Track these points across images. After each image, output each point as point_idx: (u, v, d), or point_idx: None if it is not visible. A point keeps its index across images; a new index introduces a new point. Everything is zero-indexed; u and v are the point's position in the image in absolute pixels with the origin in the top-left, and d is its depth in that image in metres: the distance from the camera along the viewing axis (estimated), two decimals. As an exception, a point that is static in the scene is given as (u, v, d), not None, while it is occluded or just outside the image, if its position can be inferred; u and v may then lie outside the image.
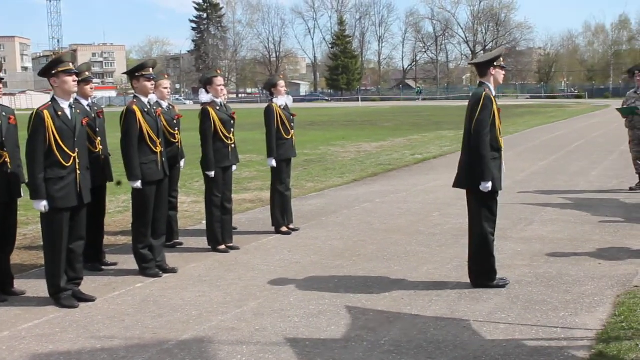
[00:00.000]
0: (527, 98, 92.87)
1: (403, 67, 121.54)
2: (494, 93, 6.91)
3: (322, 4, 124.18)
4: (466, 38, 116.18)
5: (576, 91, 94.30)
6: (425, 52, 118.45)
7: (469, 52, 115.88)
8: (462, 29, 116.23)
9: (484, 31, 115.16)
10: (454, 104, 70.95)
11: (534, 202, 11.66)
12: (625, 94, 13.66)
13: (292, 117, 9.67)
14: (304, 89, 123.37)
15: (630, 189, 12.75)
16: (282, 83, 9.66)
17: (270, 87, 9.60)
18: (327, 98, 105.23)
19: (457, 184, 7.33)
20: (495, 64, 6.91)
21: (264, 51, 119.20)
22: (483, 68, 6.95)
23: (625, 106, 12.76)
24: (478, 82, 7.06)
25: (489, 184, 6.88)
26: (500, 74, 6.96)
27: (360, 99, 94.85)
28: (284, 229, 9.66)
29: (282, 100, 9.57)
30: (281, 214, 9.66)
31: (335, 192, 13.72)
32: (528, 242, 8.70)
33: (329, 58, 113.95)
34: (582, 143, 23.16)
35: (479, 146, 6.81)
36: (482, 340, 5.41)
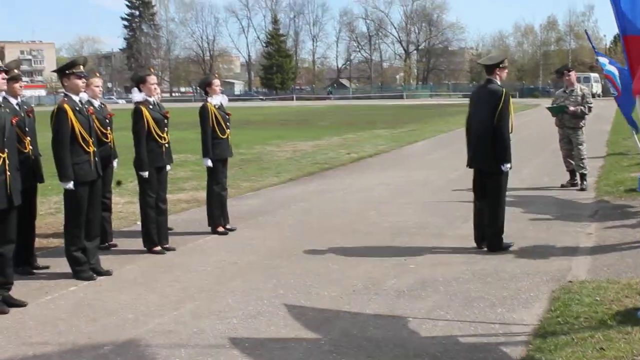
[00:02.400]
0: (460, 97, 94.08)
1: (337, 67, 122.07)
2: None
3: (256, 3, 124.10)
4: (399, 37, 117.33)
5: (510, 92, 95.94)
6: (359, 51, 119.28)
7: (402, 52, 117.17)
8: (395, 28, 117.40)
9: (416, 31, 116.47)
10: (387, 103, 71.52)
11: (469, 200, 11.72)
12: (555, 93, 13.98)
13: (227, 117, 9.59)
14: (239, 88, 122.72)
15: (562, 186, 13.03)
16: (217, 82, 9.57)
17: (205, 86, 9.50)
18: (261, 97, 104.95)
19: (476, 163, 8.63)
20: (500, 65, 8.32)
21: (197, 50, 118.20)
22: (491, 68, 8.32)
23: (554, 105, 13.03)
24: (486, 79, 8.45)
25: (509, 165, 8.32)
26: (504, 72, 8.40)
27: (295, 98, 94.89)
28: (221, 229, 9.57)
29: (217, 99, 9.48)
30: (218, 214, 9.57)
31: (272, 192, 13.68)
32: (465, 240, 8.79)
33: (263, 57, 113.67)
34: (514, 141, 23.20)
35: (503, 134, 8.16)
36: (422, 338, 5.45)
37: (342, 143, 24.51)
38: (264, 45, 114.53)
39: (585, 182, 12.83)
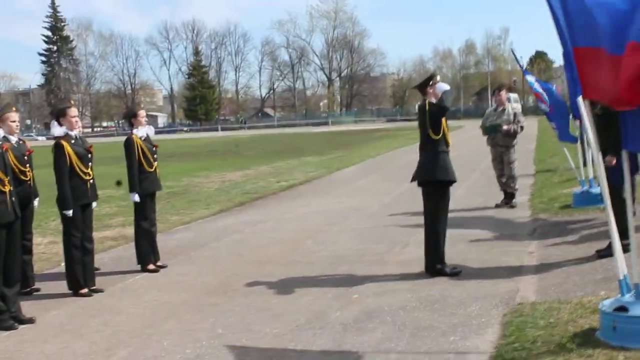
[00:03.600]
0: (384, 122, 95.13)
1: (261, 96, 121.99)
2: None
3: (177, 35, 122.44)
4: (322, 65, 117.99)
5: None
6: (283, 80, 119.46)
7: (325, 79, 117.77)
8: (317, 56, 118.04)
9: (338, 58, 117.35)
10: (313, 130, 71.59)
11: (406, 224, 11.59)
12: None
13: (154, 149, 9.15)
14: (162, 120, 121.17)
15: (496, 205, 12.95)
16: (142, 113, 9.14)
17: (130, 118, 9.06)
18: (185, 129, 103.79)
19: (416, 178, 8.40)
20: (430, 83, 8.10)
21: (118, 83, 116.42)
22: (422, 89, 8.16)
23: (487, 125, 12.96)
24: (422, 99, 8.22)
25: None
26: (436, 89, 8.11)
27: (220, 129, 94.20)
28: (151, 266, 9.09)
29: (142, 131, 9.04)
30: (147, 251, 9.09)
31: (202, 225, 13.22)
32: (407, 266, 8.54)
33: (186, 89, 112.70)
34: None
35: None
36: (374, 374, 5.12)
37: (271, 171, 24.17)
38: (186, 76, 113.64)
39: (514, 201, 12.80)
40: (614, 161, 7.76)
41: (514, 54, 12.62)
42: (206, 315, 6.97)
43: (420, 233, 10.44)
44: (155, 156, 9.10)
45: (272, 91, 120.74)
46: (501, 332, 5.80)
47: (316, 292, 7.63)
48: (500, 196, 13.17)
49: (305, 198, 16.39)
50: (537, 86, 11.96)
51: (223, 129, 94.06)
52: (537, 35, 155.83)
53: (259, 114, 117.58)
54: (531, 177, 16.89)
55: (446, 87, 8.05)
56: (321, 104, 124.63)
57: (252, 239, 11.19)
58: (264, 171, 24.48)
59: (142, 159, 8.87)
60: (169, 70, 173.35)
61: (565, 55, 5.21)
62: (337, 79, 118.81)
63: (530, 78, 12.24)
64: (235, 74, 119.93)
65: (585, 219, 10.60)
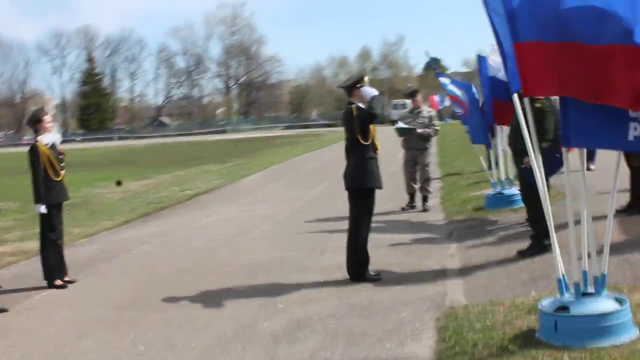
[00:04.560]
0: (282, 129, 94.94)
1: (157, 104, 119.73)
2: None
3: (69, 42, 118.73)
4: (219, 72, 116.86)
5: (328, 120, 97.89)
6: (179, 87, 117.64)
7: (222, 87, 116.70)
8: (214, 63, 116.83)
9: (235, 65, 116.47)
10: (211, 138, 70.63)
11: (320, 230, 11.41)
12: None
13: (61, 157, 8.63)
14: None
15: (402, 209, 12.91)
16: (47, 118, 8.60)
17: (35, 124, 8.48)
18: (77, 138, 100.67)
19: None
20: (358, 85, 7.84)
21: (7, 92, 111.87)
22: (349, 90, 7.89)
23: (403, 127, 12.88)
24: (348, 101, 7.94)
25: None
26: (363, 93, 7.80)
27: (116, 138, 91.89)
28: (59, 282, 8.54)
29: (48, 137, 8.51)
30: (55, 265, 8.54)
31: (108, 237, 12.66)
32: (328, 272, 8.32)
33: (79, 97, 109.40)
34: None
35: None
36: (314, 387, 4.87)
37: (172, 180, 23.56)
38: (80, 84, 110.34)
39: (427, 204, 12.82)
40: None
41: (428, 56, 12.59)
42: (124, 332, 6.56)
43: (337, 239, 10.37)
44: (62, 164, 8.58)
45: (168, 99, 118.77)
46: (438, 337, 5.66)
47: (239, 302, 7.33)
48: (406, 199, 13.12)
49: (212, 206, 15.98)
50: (452, 88, 11.97)
51: (120, 138, 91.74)
52: (432, 42, 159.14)
53: (155, 123, 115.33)
54: (438, 181, 17.00)
55: (374, 92, 7.84)
56: (218, 112, 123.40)
57: (163, 250, 10.76)
58: (165, 180, 23.83)
59: (48, 167, 8.34)
60: (61, 78, 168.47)
61: (502, 53, 5.10)
62: (235, 86, 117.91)
63: (444, 80, 12.26)
64: (131, 82, 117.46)
65: (500, 220, 10.67)
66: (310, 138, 55.16)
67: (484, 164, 13.19)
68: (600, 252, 5.30)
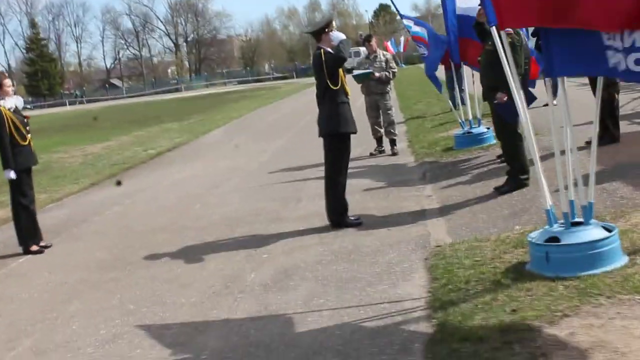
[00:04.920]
0: (235, 84, 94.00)
1: (106, 67, 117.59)
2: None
3: (9, 8, 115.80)
4: (167, 31, 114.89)
5: (281, 73, 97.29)
6: (127, 48, 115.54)
7: (172, 45, 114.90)
8: (162, 22, 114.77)
9: (184, 23, 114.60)
10: (165, 98, 69.70)
11: (291, 180, 11.35)
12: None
13: (25, 120, 8.41)
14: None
15: (371, 154, 12.90)
16: (7, 82, 8.36)
17: (-5, 88, 8.24)
18: (27, 106, 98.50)
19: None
20: (326, 30, 7.71)
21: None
22: (317, 35, 7.78)
23: (359, 72, 12.76)
24: (316, 47, 7.86)
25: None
26: (331, 37, 7.68)
27: (67, 103, 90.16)
28: (35, 247, 8.39)
29: (10, 101, 8.27)
30: (29, 231, 8.38)
31: (76, 200, 12.47)
32: (307, 220, 8.29)
33: (25, 64, 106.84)
34: (310, 118, 23.50)
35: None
36: (313, 332, 4.85)
37: (133, 141, 23.19)
38: (24, 51, 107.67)
39: (395, 147, 12.80)
40: (505, 97, 7.77)
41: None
42: (110, 292, 6.48)
43: (310, 187, 10.37)
44: (27, 128, 8.37)
45: (117, 61, 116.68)
46: (429, 276, 5.68)
47: (222, 256, 7.26)
48: (373, 144, 13.09)
49: (178, 164, 15.82)
50: (416, 29, 11.86)
51: (71, 103, 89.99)
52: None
53: (106, 86, 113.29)
54: (402, 125, 16.97)
55: (342, 36, 7.73)
56: (169, 70, 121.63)
57: (135, 210, 10.62)
58: (126, 141, 23.45)
59: (13, 131, 8.11)
60: (3, 46, 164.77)
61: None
62: (184, 44, 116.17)
63: (408, 22, 12.14)
64: (77, 46, 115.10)
65: (470, 158, 10.73)
66: (265, 91, 54.74)
67: (450, 104, 13.16)
68: (585, 183, 5.33)
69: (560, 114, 5.47)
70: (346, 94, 7.92)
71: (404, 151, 12.81)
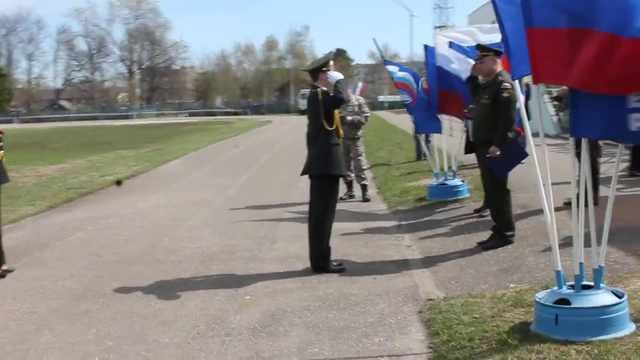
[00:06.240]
0: (187, 116, 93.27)
1: (56, 87, 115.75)
2: None
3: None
4: (122, 56, 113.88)
5: (234, 109, 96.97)
6: (80, 70, 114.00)
7: (126, 71, 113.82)
8: (117, 47, 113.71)
9: (139, 50, 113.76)
10: (116, 124, 68.75)
11: (263, 218, 11.11)
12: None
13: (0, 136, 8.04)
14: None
15: (341, 198, 12.63)
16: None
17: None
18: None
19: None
20: (324, 69, 7.56)
21: None
22: (315, 73, 7.60)
23: None
24: (312, 85, 7.73)
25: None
26: (328, 77, 7.54)
27: (17, 121, 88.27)
28: (-3, 271, 7.97)
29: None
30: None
31: (35, 222, 11.98)
32: (286, 262, 8.07)
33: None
34: (270, 156, 23.45)
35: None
36: (314, 385, 4.61)
37: (89, 165, 22.61)
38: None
39: (367, 193, 12.66)
40: (498, 152, 7.72)
41: (375, 43, 12.34)
42: (85, 326, 6.13)
43: (284, 228, 10.20)
44: (1, 144, 8.00)
45: (68, 82, 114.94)
46: (426, 331, 5.50)
47: (201, 294, 6.96)
48: (343, 189, 12.93)
49: (139, 193, 15.41)
50: (401, 75, 11.78)
51: (22, 121, 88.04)
52: (336, 34, 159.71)
53: (54, 106, 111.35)
54: (368, 171, 16.84)
55: (340, 76, 7.58)
56: (120, 96, 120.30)
57: (101, 237, 10.22)
58: (81, 165, 22.83)
59: (-14, 148, 7.74)
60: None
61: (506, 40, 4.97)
62: (138, 71, 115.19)
63: (392, 68, 12.04)
64: (28, 63, 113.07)
65: (446, 210, 10.63)
66: (219, 125, 54.30)
67: (428, 154, 13.06)
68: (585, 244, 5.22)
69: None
70: (339, 135, 7.78)
71: (375, 198, 12.69)
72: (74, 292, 7.25)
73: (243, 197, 13.81)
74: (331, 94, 7.48)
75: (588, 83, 4.61)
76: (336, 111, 7.73)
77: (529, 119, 8.51)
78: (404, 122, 37.37)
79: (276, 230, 10.03)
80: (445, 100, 11.00)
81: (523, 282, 6.44)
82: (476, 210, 9.96)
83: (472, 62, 9.21)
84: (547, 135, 5.70)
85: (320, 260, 7.62)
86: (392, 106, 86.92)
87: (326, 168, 7.61)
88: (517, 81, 5.97)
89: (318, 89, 7.57)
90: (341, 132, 7.87)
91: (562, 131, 16.32)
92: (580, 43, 4.63)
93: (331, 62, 7.83)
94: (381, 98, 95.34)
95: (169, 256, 8.73)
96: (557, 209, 5.87)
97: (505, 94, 7.74)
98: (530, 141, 5.40)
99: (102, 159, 24.90)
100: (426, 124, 12.19)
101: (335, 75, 7.58)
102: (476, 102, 8.43)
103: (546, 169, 5.17)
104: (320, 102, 7.49)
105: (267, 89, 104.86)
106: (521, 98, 6.65)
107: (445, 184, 11.58)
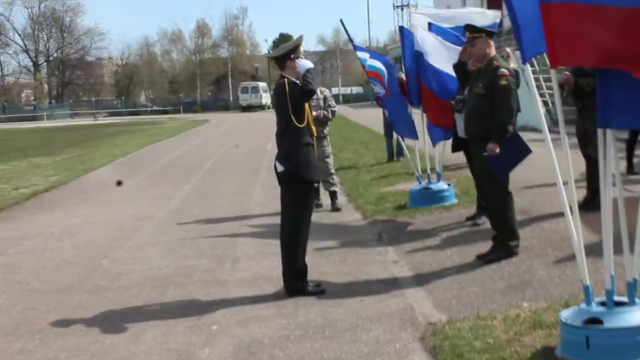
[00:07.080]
0: (106, 116, 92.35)
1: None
2: None
3: None
4: (25, 47, 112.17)
5: (162, 107, 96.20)
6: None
7: (30, 63, 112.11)
8: (19, 35, 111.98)
9: (46, 38, 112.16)
10: (22, 126, 67.63)
11: (217, 234, 11.03)
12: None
13: None
14: None
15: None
16: None
17: None
18: None
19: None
20: (292, 56, 7.56)
21: None
22: (281, 61, 7.63)
23: None
24: (279, 76, 7.74)
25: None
26: (297, 65, 7.54)
27: None
28: None
29: None
30: None
31: (-60, 245, 11.73)
32: (254, 284, 8.03)
33: None
34: (216, 160, 23.32)
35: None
36: None
37: (-3, 176, 22.26)
38: None
39: (337, 201, 12.64)
40: (497, 149, 7.78)
41: (343, 25, 12.21)
42: (24, 367, 6.01)
43: (244, 244, 10.18)
44: None
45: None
46: (433, 360, 5.51)
47: (158, 325, 6.89)
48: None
49: (62, 208, 15.19)
50: (373, 63, 11.73)
51: None
52: (279, 17, 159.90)
53: None
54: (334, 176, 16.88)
55: (310, 64, 7.55)
56: (23, 94, 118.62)
57: (26, 262, 10.04)
58: (-14, 176, 22.47)
59: None
60: None
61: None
62: (45, 64, 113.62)
63: (363, 54, 11.97)
64: None
65: (433, 219, 10.66)
66: (147, 126, 53.85)
67: (407, 154, 12.99)
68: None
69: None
70: (312, 134, 7.74)
71: (345, 207, 12.68)
72: (3, 328, 7.11)
73: (190, 209, 13.71)
74: (300, 85, 7.43)
75: (613, 59, 4.65)
76: (307, 105, 7.67)
77: (518, 110, 8.67)
78: (367, 117, 37.71)
79: (236, 248, 9.97)
80: (428, 100, 11.01)
81: (537, 300, 6.49)
82: (469, 218, 10.03)
83: (456, 47, 9.31)
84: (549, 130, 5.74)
85: (296, 282, 7.58)
86: (347, 100, 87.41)
87: (297, 172, 7.54)
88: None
89: (285, 80, 7.52)
90: (314, 129, 7.83)
91: (553, 124, 16.55)
92: (601, 19, 4.69)
93: (301, 48, 7.83)
94: (335, 90, 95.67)
95: (113, 282, 8.62)
96: (560, 214, 5.92)
97: (503, 82, 7.79)
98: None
99: (12, 169, 24.53)
100: (406, 126, 12.14)
101: (304, 63, 7.54)
102: (468, 93, 8.49)
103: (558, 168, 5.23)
104: (287, 94, 7.45)
105: (200, 82, 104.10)
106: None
107: (430, 189, 11.58)
